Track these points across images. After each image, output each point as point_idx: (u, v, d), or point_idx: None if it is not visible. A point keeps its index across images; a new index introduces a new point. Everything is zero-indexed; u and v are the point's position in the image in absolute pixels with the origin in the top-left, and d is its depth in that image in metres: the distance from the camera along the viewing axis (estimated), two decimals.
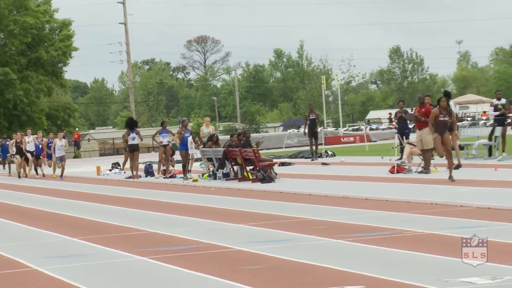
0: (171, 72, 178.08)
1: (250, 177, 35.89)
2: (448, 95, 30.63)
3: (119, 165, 49.10)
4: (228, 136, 40.35)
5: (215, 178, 38.75)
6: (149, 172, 44.73)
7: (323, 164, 45.67)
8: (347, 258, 15.33)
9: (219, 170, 38.79)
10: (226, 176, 37.93)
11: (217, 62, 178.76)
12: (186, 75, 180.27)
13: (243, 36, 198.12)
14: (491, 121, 45.58)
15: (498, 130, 39.88)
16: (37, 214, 27.72)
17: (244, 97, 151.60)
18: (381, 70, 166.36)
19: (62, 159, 46.97)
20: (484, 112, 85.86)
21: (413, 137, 36.92)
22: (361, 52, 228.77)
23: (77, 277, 15.04)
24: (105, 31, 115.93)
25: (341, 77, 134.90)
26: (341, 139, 79.81)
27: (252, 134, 44.45)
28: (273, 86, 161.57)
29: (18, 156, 48.22)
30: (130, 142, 45.65)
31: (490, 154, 39.74)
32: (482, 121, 66.52)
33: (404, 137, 39.14)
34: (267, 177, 34.57)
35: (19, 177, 48.40)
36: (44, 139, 52.12)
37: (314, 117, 50.24)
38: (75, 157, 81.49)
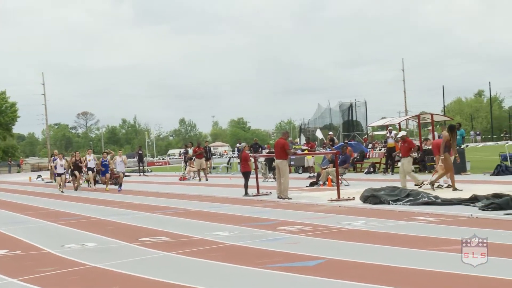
0: (69, 130, 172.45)
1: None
2: None
3: (40, 176, 47.17)
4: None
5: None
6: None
7: (145, 175, 44.93)
8: (154, 222, 15.06)
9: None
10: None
11: (92, 125, 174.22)
12: (76, 131, 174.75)
13: (105, 111, 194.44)
14: (234, 155, 46.27)
15: (233, 159, 40.86)
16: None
17: (106, 142, 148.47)
18: (175, 130, 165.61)
19: (122, 172, 30.72)
20: (225, 150, 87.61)
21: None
22: (166, 122, 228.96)
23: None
24: (34, 106, 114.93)
25: (155, 133, 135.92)
26: (155, 163, 78.62)
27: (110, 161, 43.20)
28: (120, 137, 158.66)
29: (76, 172, 32.35)
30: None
31: (227, 171, 40.12)
32: (224, 155, 66.56)
33: (187, 162, 38.91)
34: (117, 183, 33.78)
35: (76, 189, 31.82)
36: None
37: (141, 152, 49.61)
38: (18, 172, 78.47)
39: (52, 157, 34.59)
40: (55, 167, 32.43)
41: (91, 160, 32.28)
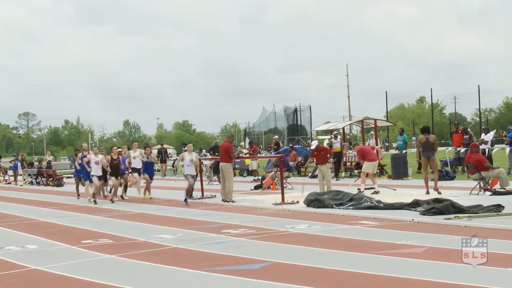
0: (9, 130, 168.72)
1: (51, 184, 34.10)
2: None
3: None
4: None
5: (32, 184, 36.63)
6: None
7: None
8: (97, 224, 14.87)
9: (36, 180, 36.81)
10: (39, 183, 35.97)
11: (34, 126, 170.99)
12: (18, 132, 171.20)
13: (47, 112, 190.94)
14: (175, 158, 45.97)
15: (177, 161, 40.73)
16: None
17: (48, 143, 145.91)
18: (119, 131, 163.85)
19: (192, 176, 20.72)
20: (170, 153, 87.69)
21: None
22: (109, 124, 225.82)
23: None
24: None
25: (99, 135, 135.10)
26: None
27: (53, 163, 42.46)
28: (63, 138, 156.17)
29: (113, 177, 22.18)
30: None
31: (173, 173, 39.90)
32: (169, 158, 66.24)
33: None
34: (59, 184, 33.15)
35: (112, 201, 21.70)
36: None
37: (87, 153, 49.08)
38: None
39: (81, 154, 24.99)
40: (81, 165, 24.23)
41: (136, 157, 22.94)
